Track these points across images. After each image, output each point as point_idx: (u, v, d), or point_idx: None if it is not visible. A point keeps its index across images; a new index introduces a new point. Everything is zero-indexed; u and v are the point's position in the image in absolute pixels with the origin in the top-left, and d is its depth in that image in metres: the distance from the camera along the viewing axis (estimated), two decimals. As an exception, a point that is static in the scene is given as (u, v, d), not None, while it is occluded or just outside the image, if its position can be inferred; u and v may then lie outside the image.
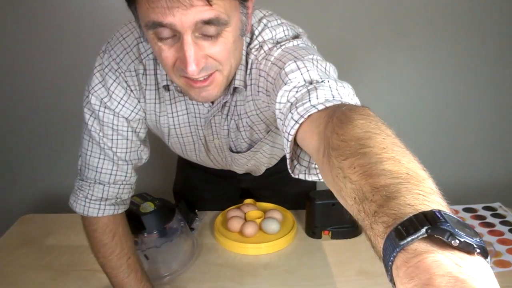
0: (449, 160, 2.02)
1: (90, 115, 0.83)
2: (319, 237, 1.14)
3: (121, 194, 0.89)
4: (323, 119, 0.52)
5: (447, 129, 2.00)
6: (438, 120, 1.99)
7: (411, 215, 0.32)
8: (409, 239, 0.31)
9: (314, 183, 1.46)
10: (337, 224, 1.13)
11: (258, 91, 0.78)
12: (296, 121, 0.55)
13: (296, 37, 0.78)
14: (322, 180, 0.52)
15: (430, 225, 0.31)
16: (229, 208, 1.25)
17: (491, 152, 2.05)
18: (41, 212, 1.33)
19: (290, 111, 0.58)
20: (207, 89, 0.72)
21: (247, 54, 0.78)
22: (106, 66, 0.81)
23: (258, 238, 1.11)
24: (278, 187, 1.26)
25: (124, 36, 0.81)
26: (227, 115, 0.86)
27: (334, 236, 1.13)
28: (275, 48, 0.74)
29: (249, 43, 0.78)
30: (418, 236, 0.31)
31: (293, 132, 0.55)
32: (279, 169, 1.09)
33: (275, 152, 1.00)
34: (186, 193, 1.37)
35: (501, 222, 1.16)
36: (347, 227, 1.13)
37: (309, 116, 0.55)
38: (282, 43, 0.74)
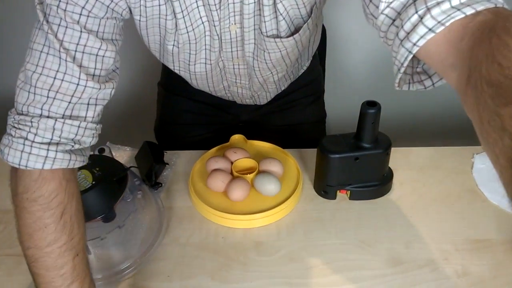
0: None
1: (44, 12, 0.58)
2: (333, 197, 0.83)
3: (80, 138, 0.61)
4: (469, 30, 0.41)
5: None
6: None
7: None
8: None
9: (325, 114, 1.13)
10: (360, 182, 0.81)
11: None
12: (430, 29, 0.43)
13: None
14: (428, 89, 0.50)
15: None
16: (208, 152, 0.92)
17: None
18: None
19: (416, 12, 0.44)
20: None
21: None
22: None
23: (250, 204, 0.81)
24: (284, 117, 1.04)
25: None
26: None
27: (353, 196, 0.83)
28: None
29: None
30: None
31: (422, 42, 0.44)
32: (285, 92, 1.01)
33: (300, 56, 0.87)
34: (167, 131, 1.08)
35: None
36: (372, 185, 0.82)
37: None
38: None
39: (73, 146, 0.60)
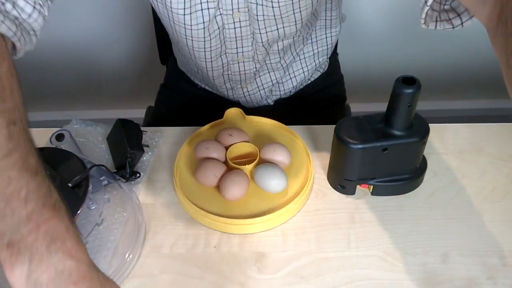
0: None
1: None
2: (352, 192, 0.67)
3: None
4: None
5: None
6: None
7: None
8: None
9: (341, 78, 0.97)
10: (386, 176, 0.65)
11: None
12: None
13: None
14: (456, 28, 0.48)
15: None
16: (198, 132, 0.75)
17: None
18: None
19: None
20: None
21: None
22: None
23: (249, 203, 0.65)
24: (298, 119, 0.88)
25: None
26: None
27: (377, 192, 0.67)
28: None
29: None
30: None
31: None
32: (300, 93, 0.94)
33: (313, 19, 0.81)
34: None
35: None
36: (401, 179, 0.66)
37: None
38: None
39: (3, 4, 0.47)
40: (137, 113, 1.38)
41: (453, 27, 0.49)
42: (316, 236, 0.63)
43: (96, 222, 0.55)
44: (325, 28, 0.89)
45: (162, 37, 1.10)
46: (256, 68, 0.84)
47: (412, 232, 0.63)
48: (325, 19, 0.87)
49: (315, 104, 0.97)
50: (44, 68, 1.43)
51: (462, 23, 0.48)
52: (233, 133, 0.70)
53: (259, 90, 0.89)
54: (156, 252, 0.61)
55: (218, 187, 0.66)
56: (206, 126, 0.75)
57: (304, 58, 0.90)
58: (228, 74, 0.85)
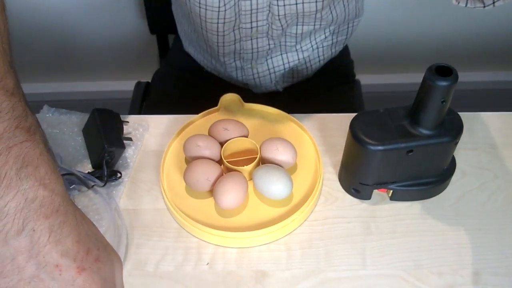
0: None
1: None
2: (367, 197, 0.58)
3: None
4: None
5: None
6: None
7: None
8: None
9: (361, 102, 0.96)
10: (409, 179, 0.56)
11: None
12: None
13: None
14: (487, 8, 0.44)
15: None
16: (189, 122, 0.65)
17: None
18: None
19: None
20: None
21: None
22: None
23: (248, 212, 0.56)
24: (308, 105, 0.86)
25: None
26: None
27: (397, 197, 0.58)
28: None
29: None
30: None
31: None
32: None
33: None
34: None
35: None
36: (426, 183, 0.56)
37: None
38: None
39: None
40: (124, 86, 1.28)
41: (484, 6, 0.45)
42: (326, 251, 0.54)
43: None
44: (348, 18, 0.80)
45: (151, 3, 1.00)
46: (269, 46, 0.77)
47: (437, 246, 0.54)
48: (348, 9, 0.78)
49: (322, 84, 0.88)
50: (19, 36, 1.31)
51: (494, 3, 0.45)
52: (229, 126, 0.59)
53: (270, 74, 0.82)
54: (140, 270, 0.52)
55: (211, 192, 0.56)
56: (199, 116, 0.65)
57: (322, 47, 0.84)
58: (239, 52, 0.78)
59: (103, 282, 0.34)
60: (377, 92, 1.42)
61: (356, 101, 0.93)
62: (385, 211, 0.57)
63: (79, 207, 0.48)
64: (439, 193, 0.58)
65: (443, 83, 0.46)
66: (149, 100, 0.99)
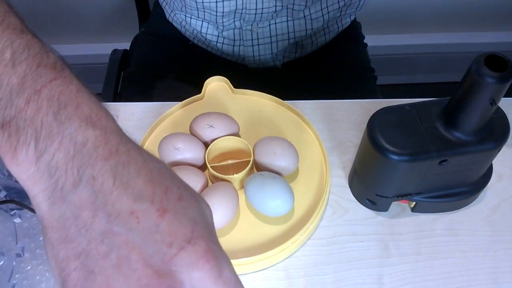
0: None
1: None
2: (384, 209, 0.48)
3: None
4: None
5: None
6: None
7: None
8: None
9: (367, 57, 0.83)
10: (436, 190, 0.45)
11: None
12: None
13: None
14: None
15: None
16: (165, 115, 0.53)
17: None
18: None
19: None
20: None
21: None
22: None
23: (239, 232, 0.45)
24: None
25: None
26: None
27: (420, 209, 0.47)
28: None
29: None
30: None
31: None
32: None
33: None
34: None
35: None
36: (456, 194, 0.46)
37: None
38: None
39: None
40: (98, 49, 1.15)
41: None
42: (334, 279, 0.44)
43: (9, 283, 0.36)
44: None
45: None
46: (276, 8, 0.66)
47: (469, 271, 0.44)
48: None
49: (332, 67, 0.76)
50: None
51: None
52: (215, 122, 0.48)
53: (271, 42, 0.71)
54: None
55: (194, 205, 0.46)
56: (178, 106, 0.53)
57: (329, 18, 0.72)
58: (241, 12, 0.67)
59: (193, 224, 0.24)
60: (384, 55, 1.29)
61: (367, 73, 0.80)
62: (406, 226, 0.47)
63: (19, 245, 0.38)
64: (470, 203, 0.48)
65: (491, 80, 0.35)
66: (127, 72, 0.87)
